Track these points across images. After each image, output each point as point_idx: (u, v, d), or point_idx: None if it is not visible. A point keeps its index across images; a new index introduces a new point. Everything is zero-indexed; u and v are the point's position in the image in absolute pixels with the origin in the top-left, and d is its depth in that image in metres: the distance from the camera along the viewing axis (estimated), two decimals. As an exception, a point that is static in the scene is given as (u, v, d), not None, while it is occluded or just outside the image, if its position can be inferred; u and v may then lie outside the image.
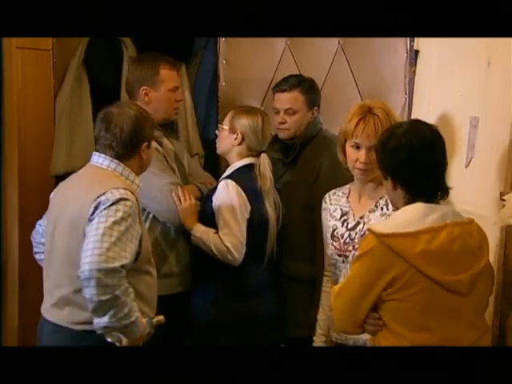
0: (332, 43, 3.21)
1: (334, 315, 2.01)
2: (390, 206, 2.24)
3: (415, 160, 1.91)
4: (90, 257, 1.99)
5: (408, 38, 3.17)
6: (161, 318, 2.26)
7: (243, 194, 2.57)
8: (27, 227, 2.30)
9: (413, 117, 3.06)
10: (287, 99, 2.84)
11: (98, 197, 2.08)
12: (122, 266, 2.01)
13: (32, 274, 2.52)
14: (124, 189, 2.11)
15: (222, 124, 2.72)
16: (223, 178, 2.63)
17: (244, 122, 2.62)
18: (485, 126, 2.38)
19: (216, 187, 2.62)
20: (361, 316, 1.92)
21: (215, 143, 2.77)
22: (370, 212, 2.32)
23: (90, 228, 2.05)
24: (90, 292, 1.99)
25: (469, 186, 2.41)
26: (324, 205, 2.47)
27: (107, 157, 2.19)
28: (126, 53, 3.21)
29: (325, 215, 2.45)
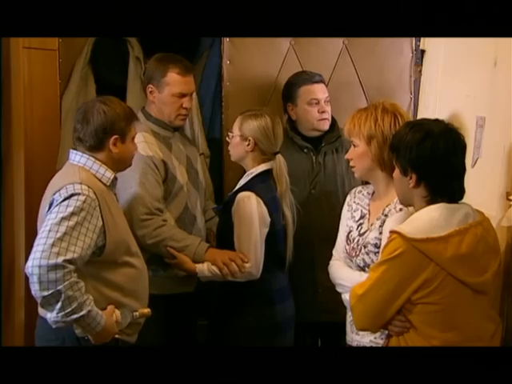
0: (337, 43, 3.20)
1: (355, 316, 1.99)
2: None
3: (449, 162, 1.92)
4: (33, 253, 2.04)
5: (414, 38, 3.17)
6: (145, 310, 2.26)
7: (264, 207, 2.50)
8: (33, 227, 2.30)
9: (419, 117, 3.05)
10: (325, 89, 2.95)
11: (54, 194, 2.13)
12: (69, 261, 2.04)
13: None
14: (80, 183, 2.13)
15: (230, 130, 2.65)
16: (241, 188, 2.55)
17: (254, 127, 2.55)
18: (491, 125, 2.37)
19: (234, 196, 2.53)
20: (387, 318, 1.93)
21: (221, 143, 2.76)
22: (377, 219, 2.27)
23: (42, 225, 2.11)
24: (33, 288, 2.04)
25: (475, 186, 2.40)
26: (348, 200, 2.41)
27: (78, 152, 2.24)
28: (131, 53, 3.21)
29: (345, 211, 2.40)
